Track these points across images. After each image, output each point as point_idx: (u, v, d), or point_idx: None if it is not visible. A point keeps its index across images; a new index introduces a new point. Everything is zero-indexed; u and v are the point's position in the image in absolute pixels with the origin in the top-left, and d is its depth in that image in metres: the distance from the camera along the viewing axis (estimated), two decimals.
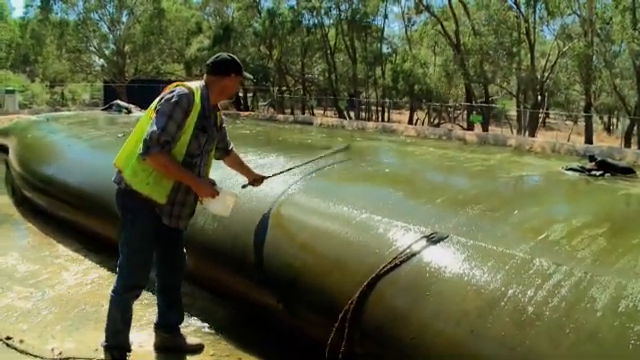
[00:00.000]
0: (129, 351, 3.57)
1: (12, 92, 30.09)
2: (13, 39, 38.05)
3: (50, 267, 5.41)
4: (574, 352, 2.57)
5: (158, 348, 3.79)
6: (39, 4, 38.25)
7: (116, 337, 3.50)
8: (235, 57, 3.56)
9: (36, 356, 3.66)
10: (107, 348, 3.50)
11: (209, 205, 3.53)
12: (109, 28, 39.52)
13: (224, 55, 3.56)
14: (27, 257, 5.58)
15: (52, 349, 3.62)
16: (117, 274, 3.50)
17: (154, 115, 3.31)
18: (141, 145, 3.26)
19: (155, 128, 3.21)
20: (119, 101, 18.17)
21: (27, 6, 40.75)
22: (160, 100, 3.34)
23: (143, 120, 3.46)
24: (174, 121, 3.24)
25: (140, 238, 3.46)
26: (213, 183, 3.53)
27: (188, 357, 3.74)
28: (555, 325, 2.69)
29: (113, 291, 3.50)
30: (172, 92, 3.33)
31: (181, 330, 3.85)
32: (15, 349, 3.75)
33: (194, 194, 3.53)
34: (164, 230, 3.51)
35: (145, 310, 4.37)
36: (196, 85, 3.43)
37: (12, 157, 9.74)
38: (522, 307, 2.83)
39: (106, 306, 4.36)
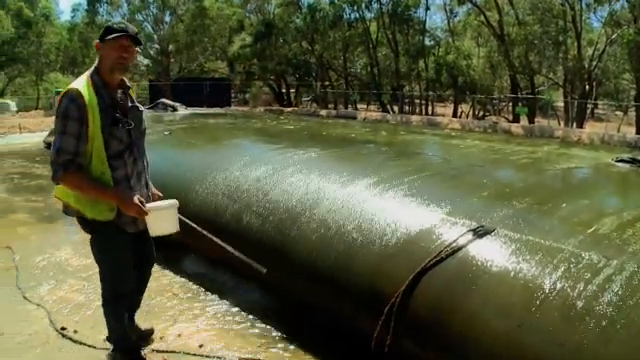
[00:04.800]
0: (140, 348, 3.64)
1: None
2: (61, 42, 38.99)
3: None
4: (625, 349, 2.53)
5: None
6: (86, 7, 39.22)
7: (125, 340, 3.53)
8: (111, 23, 3.09)
9: (90, 346, 3.81)
10: (119, 351, 3.53)
11: (148, 226, 3.17)
12: (153, 28, 40.17)
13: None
14: (79, 252, 5.74)
15: (104, 339, 3.73)
16: (101, 287, 3.40)
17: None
18: None
19: (52, 149, 2.93)
20: (165, 99, 18.50)
21: (74, 10, 41.83)
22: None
23: None
24: (69, 135, 2.89)
25: (112, 254, 3.27)
26: (141, 202, 3.09)
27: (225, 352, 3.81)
28: (606, 321, 2.65)
29: (103, 304, 3.43)
30: (60, 105, 2.94)
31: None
32: (70, 339, 3.92)
33: (144, 185, 3.29)
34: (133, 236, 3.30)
35: (194, 303, 4.47)
36: (82, 80, 3.02)
37: None
38: (571, 302, 2.80)
39: (156, 299, 4.54)
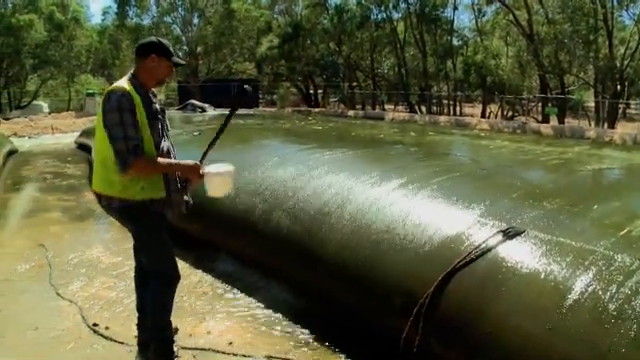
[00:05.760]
0: (174, 343, 3.63)
1: (92, 95, 31.39)
2: (92, 45, 39.68)
3: (132, 259, 5.50)
4: None
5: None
6: (116, 11, 39.84)
7: (169, 330, 3.56)
8: (163, 40, 3.41)
9: (121, 342, 3.86)
10: (158, 342, 3.52)
11: (206, 188, 3.44)
12: (182, 30, 40.62)
13: (151, 38, 3.44)
14: (110, 249, 5.84)
15: (135, 336, 3.78)
16: (152, 277, 3.51)
17: (106, 131, 3.19)
18: (116, 164, 3.16)
19: (117, 140, 3.13)
20: (194, 101, 18.71)
21: (105, 13, 42.55)
22: (103, 113, 3.22)
23: (98, 139, 3.30)
24: (128, 125, 3.13)
25: (158, 241, 3.47)
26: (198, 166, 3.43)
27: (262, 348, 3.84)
28: (638, 324, 2.61)
29: (157, 295, 3.51)
30: (109, 101, 3.18)
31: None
32: (101, 335, 3.99)
33: (176, 177, 3.48)
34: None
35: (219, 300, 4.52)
36: (124, 80, 3.29)
37: None
38: (603, 305, 2.76)
39: (186, 296, 4.61)
